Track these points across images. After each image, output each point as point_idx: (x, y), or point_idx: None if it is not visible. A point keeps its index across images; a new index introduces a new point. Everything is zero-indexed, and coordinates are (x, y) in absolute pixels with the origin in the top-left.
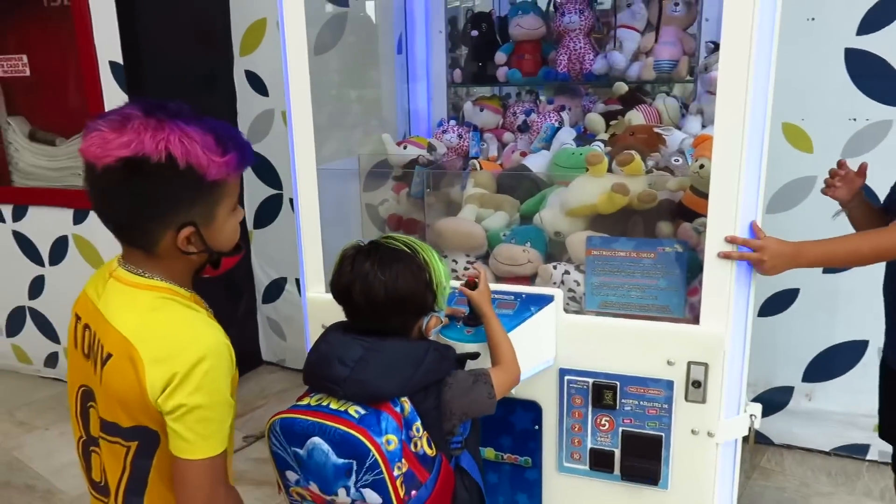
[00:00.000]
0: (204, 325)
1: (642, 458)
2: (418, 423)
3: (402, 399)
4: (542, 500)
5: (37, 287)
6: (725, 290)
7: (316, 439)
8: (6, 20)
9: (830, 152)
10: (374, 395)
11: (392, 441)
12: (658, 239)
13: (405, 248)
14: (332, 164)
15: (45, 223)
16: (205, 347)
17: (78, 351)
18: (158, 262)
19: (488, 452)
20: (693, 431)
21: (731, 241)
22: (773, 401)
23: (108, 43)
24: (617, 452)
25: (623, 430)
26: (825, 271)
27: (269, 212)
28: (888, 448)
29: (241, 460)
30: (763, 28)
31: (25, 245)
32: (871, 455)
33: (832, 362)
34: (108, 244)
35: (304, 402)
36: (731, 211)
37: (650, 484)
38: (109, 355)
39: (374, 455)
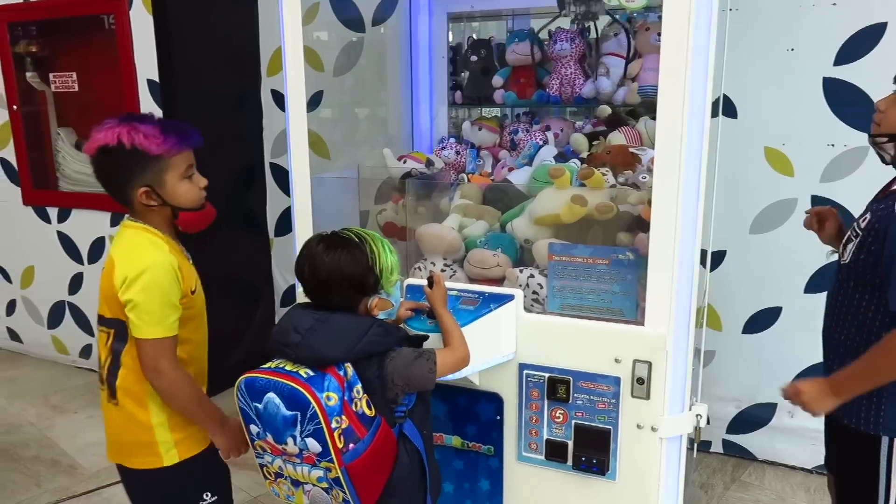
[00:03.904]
0: (154, 249)
1: (592, 450)
2: (359, 386)
3: (346, 364)
4: (503, 487)
5: (76, 283)
6: (667, 294)
7: (270, 394)
8: (59, 42)
9: (810, 176)
10: (320, 359)
11: (332, 398)
12: (613, 247)
13: (354, 237)
14: (332, 173)
15: (85, 225)
16: (148, 263)
17: None
18: (139, 214)
19: (455, 440)
20: (638, 426)
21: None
22: (757, 417)
23: (146, 63)
24: (570, 444)
25: (575, 423)
26: (805, 290)
27: (289, 220)
28: None
29: None
30: (698, 58)
31: (67, 244)
32: None
33: None
34: None
35: (267, 365)
36: (671, 223)
37: (599, 474)
38: (103, 268)
39: (313, 407)
